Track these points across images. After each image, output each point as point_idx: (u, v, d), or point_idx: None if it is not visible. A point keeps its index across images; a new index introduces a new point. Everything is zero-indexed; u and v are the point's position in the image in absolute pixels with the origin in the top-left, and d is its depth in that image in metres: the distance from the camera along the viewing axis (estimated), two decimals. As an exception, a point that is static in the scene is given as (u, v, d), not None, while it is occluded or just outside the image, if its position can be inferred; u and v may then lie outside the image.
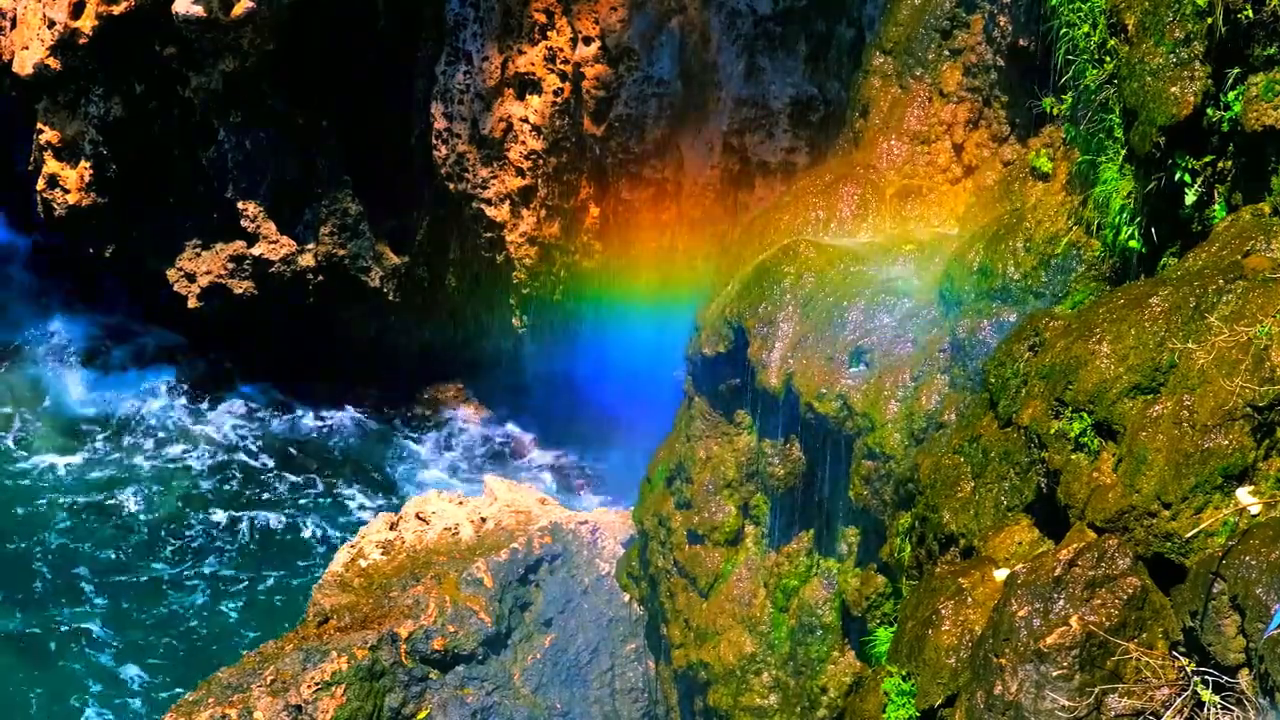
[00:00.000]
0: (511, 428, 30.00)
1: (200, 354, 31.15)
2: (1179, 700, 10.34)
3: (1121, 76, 13.32)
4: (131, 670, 24.70)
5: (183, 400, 30.63)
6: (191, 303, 28.79)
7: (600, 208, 25.64)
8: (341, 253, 28.16)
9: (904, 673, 12.37)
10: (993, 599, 11.86)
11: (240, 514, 28.12)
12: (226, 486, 28.77)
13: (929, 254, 16.86)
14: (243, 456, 29.44)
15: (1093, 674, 10.69)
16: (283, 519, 28.10)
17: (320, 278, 28.46)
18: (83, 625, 25.51)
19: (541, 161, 25.54)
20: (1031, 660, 10.81)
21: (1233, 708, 10.06)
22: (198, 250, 28.57)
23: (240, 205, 27.79)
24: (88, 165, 27.80)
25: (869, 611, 16.21)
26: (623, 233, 25.59)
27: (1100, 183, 14.01)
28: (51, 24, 26.62)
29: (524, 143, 25.55)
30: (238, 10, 25.57)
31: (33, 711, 23.71)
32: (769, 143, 24.27)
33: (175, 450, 29.53)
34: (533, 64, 25.10)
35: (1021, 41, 16.87)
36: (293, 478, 29.14)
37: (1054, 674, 10.72)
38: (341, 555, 21.97)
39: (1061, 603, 10.89)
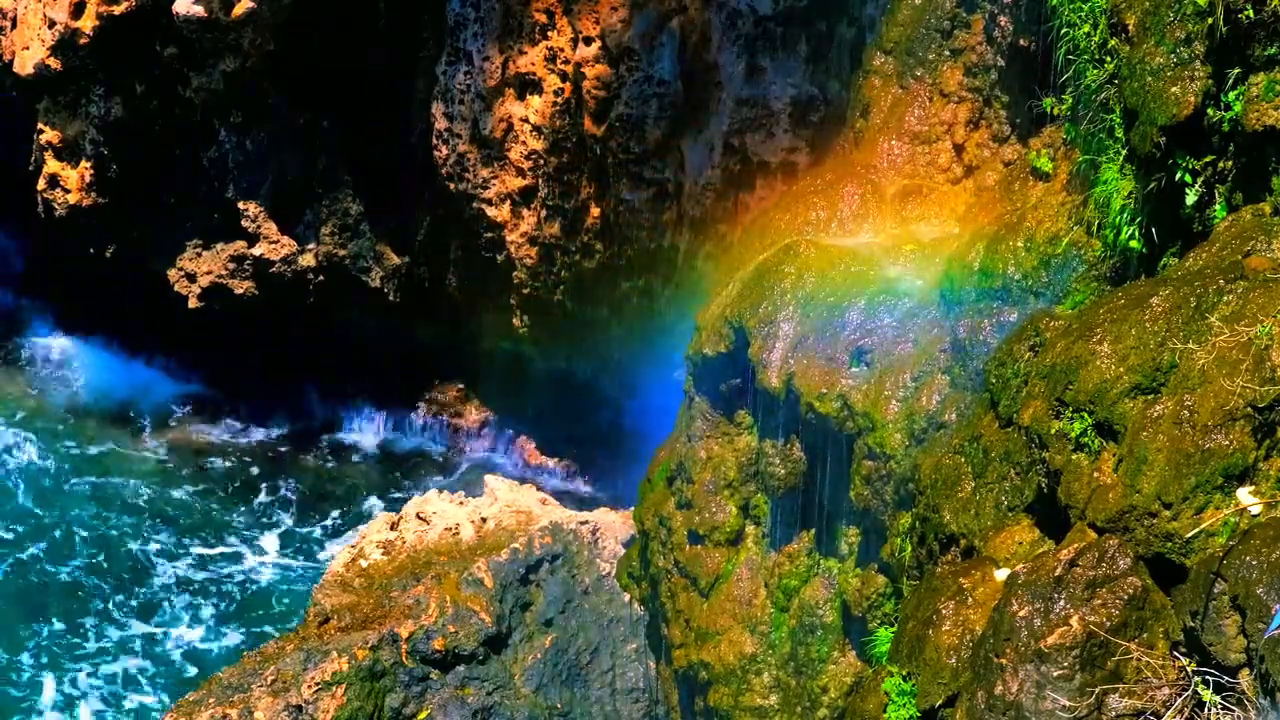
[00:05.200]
0: (512, 428, 29.99)
1: (194, 353, 31.17)
2: (1180, 700, 10.34)
3: (1122, 76, 13.32)
4: (127, 671, 24.72)
5: (183, 401, 30.65)
6: (192, 303, 28.80)
7: (601, 208, 25.62)
8: (342, 253, 28.16)
9: (904, 673, 12.37)
10: (993, 599, 11.86)
11: (238, 513, 28.12)
12: (223, 487, 28.76)
13: (930, 254, 16.86)
14: (241, 457, 29.44)
15: (1093, 674, 10.69)
16: (282, 519, 28.10)
17: (321, 278, 28.46)
18: (80, 624, 25.51)
19: (542, 161, 25.52)
20: (1032, 660, 10.80)
21: (1233, 708, 10.06)
22: (198, 250, 28.57)
23: (241, 205, 27.79)
24: (88, 165, 27.79)
25: (870, 611, 16.21)
26: (623, 232, 25.58)
27: (1101, 183, 14.00)
28: (52, 24, 26.62)
29: (524, 143, 25.53)
30: (238, 10, 25.56)
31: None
32: (769, 143, 24.25)
33: (173, 450, 29.54)
34: (533, 64, 25.09)
35: (1022, 41, 16.88)
36: (291, 478, 29.13)
37: (1055, 674, 10.71)
38: (342, 555, 22.00)
39: (1062, 603, 10.89)
